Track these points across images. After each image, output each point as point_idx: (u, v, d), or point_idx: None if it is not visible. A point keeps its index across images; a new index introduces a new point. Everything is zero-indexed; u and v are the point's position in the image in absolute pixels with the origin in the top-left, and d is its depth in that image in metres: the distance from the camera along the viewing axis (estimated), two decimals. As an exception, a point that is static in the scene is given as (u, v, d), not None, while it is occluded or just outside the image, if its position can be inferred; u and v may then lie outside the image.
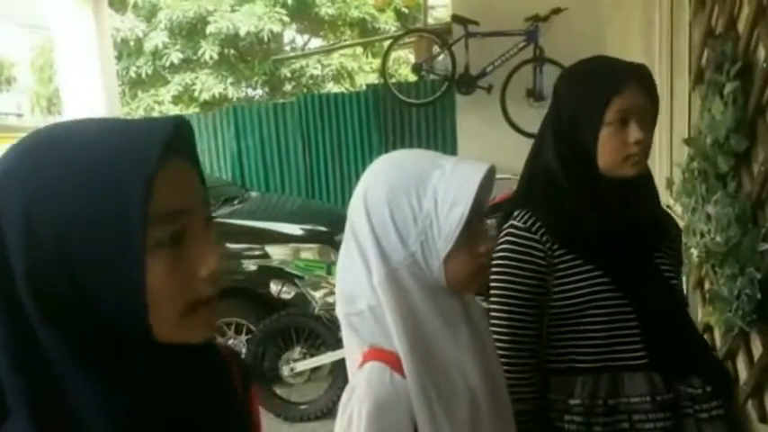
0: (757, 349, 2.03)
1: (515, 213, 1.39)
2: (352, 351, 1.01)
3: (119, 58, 11.10)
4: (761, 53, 1.94)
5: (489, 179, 0.98)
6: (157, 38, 11.97)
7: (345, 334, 1.02)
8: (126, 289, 0.59)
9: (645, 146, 1.32)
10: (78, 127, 0.64)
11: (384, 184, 0.97)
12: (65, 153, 0.60)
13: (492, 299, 1.40)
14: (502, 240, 1.39)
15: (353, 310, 0.98)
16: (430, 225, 0.95)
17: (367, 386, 0.93)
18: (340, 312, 1.01)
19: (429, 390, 0.93)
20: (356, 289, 0.98)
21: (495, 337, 1.39)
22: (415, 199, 0.95)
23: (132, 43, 12.17)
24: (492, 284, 1.40)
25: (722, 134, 2.06)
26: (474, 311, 1.07)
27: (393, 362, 0.94)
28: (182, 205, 0.63)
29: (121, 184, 0.58)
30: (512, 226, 1.38)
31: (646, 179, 1.39)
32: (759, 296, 1.92)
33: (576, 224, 1.34)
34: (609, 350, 1.33)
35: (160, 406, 0.63)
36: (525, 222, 1.36)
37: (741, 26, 2.09)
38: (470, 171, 0.96)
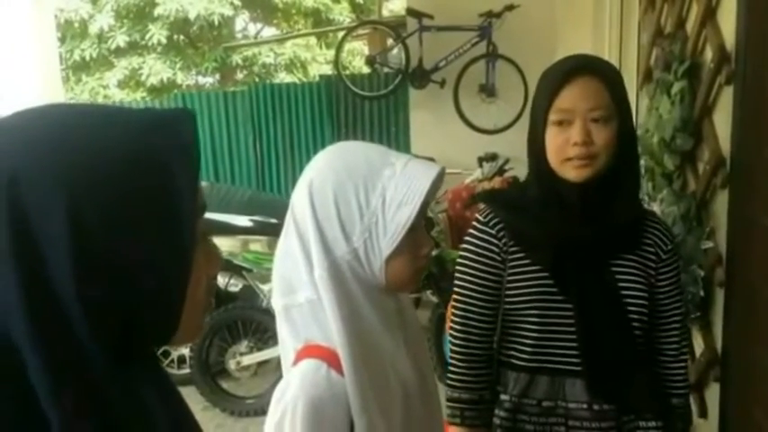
0: (699, 346, 2.07)
1: (481, 207, 1.42)
2: (287, 345, 0.99)
3: (62, 40, 10.69)
4: (708, 53, 1.97)
5: (438, 182, 0.97)
6: (103, 20, 11.58)
7: (282, 327, 0.99)
8: (170, 286, 0.57)
9: (593, 149, 1.24)
10: (88, 112, 0.59)
11: (331, 175, 0.94)
12: (100, 140, 0.55)
13: (453, 289, 1.42)
14: (467, 232, 1.42)
15: (293, 303, 0.96)
16: (375, 223, 0.93)
17: (302, 384, 0.91)
18: (277, 304, 0.98)
19: (366, 387, 0.91)
20: (295, 280, 0.96)
21: (451, 326, 1.43)
22: (362, 194, 0.93)
23: (77, 25, 11.74)
24: (455, 275, 1.43)
25: (669, 133, 2.09)
26: (404, 302, 1.07)
27: (329, 358, 0.92)
28: (202, 203, 0.62)
29: (173, 182, 0.57)
30: (475, 219, 1.41)
31: (618, 183, 1.29)
32: (702, 293, 1.95)
33: (532, 224, 1.33)
34: (545, 352, 1.33)
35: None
36: (486, 217, 1.38)
37: (690, 26, 2.12)
38: (421, 173, 0.94)
